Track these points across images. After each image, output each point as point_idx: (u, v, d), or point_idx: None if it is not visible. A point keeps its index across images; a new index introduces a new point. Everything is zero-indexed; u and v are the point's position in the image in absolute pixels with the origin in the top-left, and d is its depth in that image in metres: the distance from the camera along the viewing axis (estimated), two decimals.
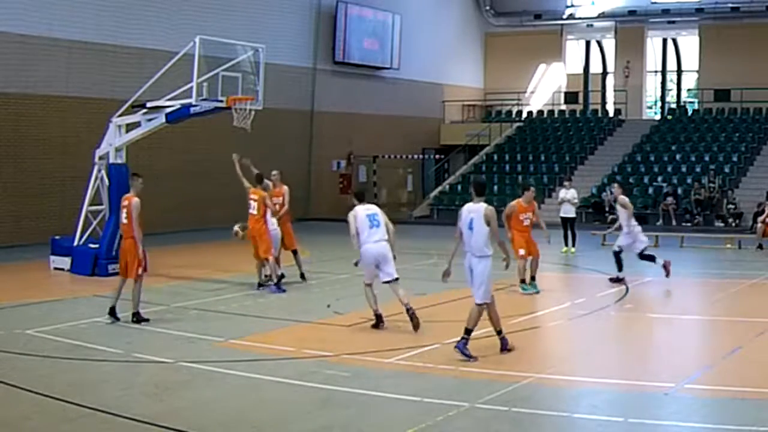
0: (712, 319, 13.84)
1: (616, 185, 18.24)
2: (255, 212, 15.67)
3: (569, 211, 22.29)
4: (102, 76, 24.74)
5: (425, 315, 13.66)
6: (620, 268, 16.54)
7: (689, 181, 31.07)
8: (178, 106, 17.92)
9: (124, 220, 13.03)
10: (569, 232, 22.17)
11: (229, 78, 18.12)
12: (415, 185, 38.50)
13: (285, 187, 16.95)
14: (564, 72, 40.63)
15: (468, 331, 10.50)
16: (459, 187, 34.94)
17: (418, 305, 14.33)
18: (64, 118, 24.19)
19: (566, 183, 23.29)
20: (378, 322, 12.45)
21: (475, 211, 10.51)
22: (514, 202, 16.20)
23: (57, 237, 19.16)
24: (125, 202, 13.11)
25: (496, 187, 34.18)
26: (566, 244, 22.15)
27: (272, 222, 16.05)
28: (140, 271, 12.83)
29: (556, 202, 23.64)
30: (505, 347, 10.83)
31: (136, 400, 8.90)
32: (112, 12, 25.05)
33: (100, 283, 16.97)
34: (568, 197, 22.32)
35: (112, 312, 12.83)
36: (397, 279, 12.36)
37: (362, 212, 12.47)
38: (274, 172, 17.07)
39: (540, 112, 39.73)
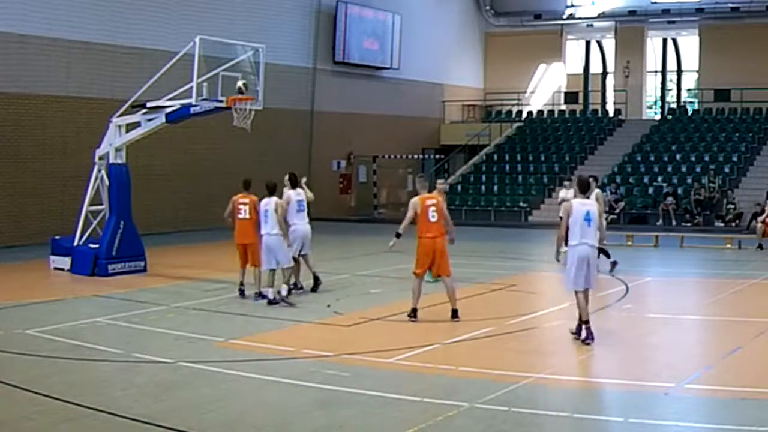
0: (712, 319, 13.83)
1: None
2: (247, 216, 15.00)
3: None
4: (102, 76, 24.74)
5: (426, 315, 13.68)
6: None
7: (689, 181, 31.07)
8: (178, 106, 17.90)
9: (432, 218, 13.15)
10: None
11: (229, 78, 18.10)
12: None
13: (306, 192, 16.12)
14: (564, 72, 40.62)
15: (587, 322, 11.24)
16: (459, 187, 34.94)
17: (418, 305, 14.35)
18: (64, 118, 24.19)
19: (566, 183, 23.02)
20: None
21: (589, 204, 11.42)
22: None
23: (57, 237, 19.15)
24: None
25: (496, 187, 34.20)
26: (566, 244, 21.95)
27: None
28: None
29: (556, 202, 23.49)
30: (589, 336, 11.24)
31: (136, 400, 8.89)
32: (112, 12, 25.05)
33: (100, 283, 16.98)
34: (569, 197, 22.16)
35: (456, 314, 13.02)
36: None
37: (294, 197, 15.07)
38: (303, 179, 16.15)
39: (540, 112, 39.72)
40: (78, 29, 24.21)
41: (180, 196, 26.75)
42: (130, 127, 18.59)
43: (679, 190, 30.59)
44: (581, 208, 11.31)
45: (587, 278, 11.34)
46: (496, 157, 36.65)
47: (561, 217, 11.66)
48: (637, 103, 38.64)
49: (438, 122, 39.48)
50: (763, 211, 23.91)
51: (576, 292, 11.33)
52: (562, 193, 22.61)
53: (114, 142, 18.50)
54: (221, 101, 17.85)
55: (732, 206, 28.54)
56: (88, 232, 18.74)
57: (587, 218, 11.24)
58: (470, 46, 41.08)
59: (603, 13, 38.70)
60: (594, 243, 11.36)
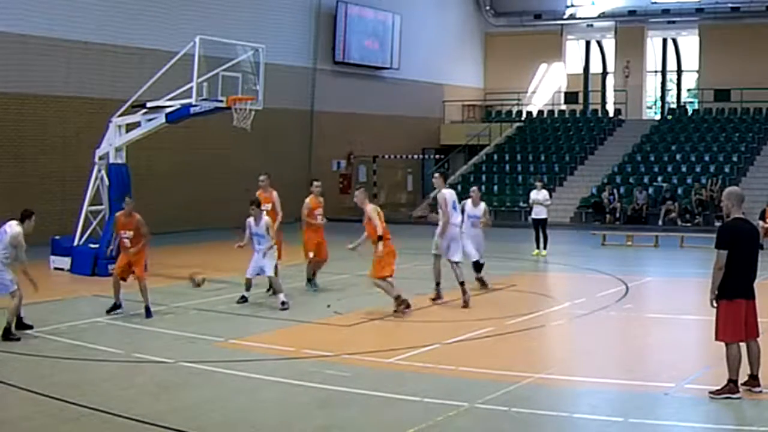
0: (711, 319, 13.79)
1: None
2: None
3: (540, 213, 21.74)
4: (102, 76, 24.73)
5: (426, 315, 13.68)
6: None
7: (689, 181, 31.06)
8: (178, 106, 17.91)
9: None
10: (540, 234, 21.56)
11: (229, 78, 18.11)
12: (415, 185, 38.49)
13: (274, 193, 15.90)
14: (564, 72, 40.62)
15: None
16: (459, 187, 34.88)
17: (418, 305, 14.35)
18: (64, 118, 24.18)
19: (537, 184, 22.60)
20: None
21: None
22: (308, 199, 16.31)
23: (57, 237, 19.14)
24: None
25: (496, 187, 34.19)
26: (537, 247, 21.55)
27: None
28: None
29: (554, 201, 23.20)
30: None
31: (136, 400, 8.89)
32: (112, 12, 25.03)
33: (100, 283, 16.94)
34: (540, 198, 21.89)
35: None
36: None
37: None
38: (261, 177, 16.05)
39: (540, 112, 39.71)
40: (78, 29, 24.20)
41: (180, 196, 26.72)
42: (130, 127, 18.59)
43: (679, 190, 30.58)
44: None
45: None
46: (496, 157, 36.64)
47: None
48: (637, 103, 38.63)
49: (438, 122, 39.47)
50: (764, 212, 23.83)
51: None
52: (533, 194, 22.25)
53: (114, 142, 18.50)
54: (221, 101, 17.86)
55: None
56: (88, 232, 18.74)
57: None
58: (470, 46, 41.08)
59: (603, 13, 38.69)
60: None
